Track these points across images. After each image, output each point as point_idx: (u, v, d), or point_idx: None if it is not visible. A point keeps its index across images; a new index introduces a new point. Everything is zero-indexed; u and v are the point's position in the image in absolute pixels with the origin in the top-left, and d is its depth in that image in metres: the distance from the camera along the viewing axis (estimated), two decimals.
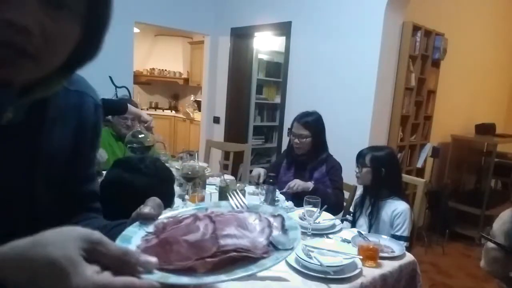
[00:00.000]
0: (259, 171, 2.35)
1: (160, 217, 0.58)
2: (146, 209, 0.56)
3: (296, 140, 2.31)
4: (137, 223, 0.56)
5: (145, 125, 1.96)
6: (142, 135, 1.82)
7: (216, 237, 0.51)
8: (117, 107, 2.06)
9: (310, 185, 2.17)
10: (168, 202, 1.29)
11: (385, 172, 1.96)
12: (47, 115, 0.62)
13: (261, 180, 2.29)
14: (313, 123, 2.30)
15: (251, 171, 2.48)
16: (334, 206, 2.09)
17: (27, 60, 0.46)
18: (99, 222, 0.72)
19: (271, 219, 0.56)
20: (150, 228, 0.55)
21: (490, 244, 0.94)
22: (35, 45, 0.46)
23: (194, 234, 0.52)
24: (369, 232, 1.96)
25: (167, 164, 2.30)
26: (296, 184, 2.16)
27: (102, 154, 1.99)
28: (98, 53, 0.56)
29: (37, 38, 0.45)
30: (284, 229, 0.54)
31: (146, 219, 0.56)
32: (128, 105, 2.01)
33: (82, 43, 0.53)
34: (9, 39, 0.44)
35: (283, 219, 0.57)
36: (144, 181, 1.18)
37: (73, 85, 0.67)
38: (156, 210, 0.57)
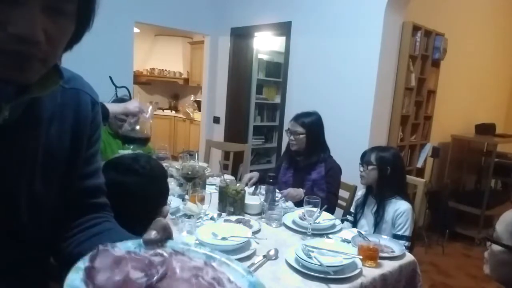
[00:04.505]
0: (252, 175, 2.39)
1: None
2: (148, 234, 0.55)
3: (291, 137, 2.34)
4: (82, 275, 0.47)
5: (134, 118, 1.80)
6: (136, 130, 1.74)
7: None
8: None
9: (300, 192, 2.18)
10: (164, 199, 1.29)
11: (390, 172, 1.96)
12: (43, 114, 0.63)
13: (249, 185, 2.31)
14: (308, 122, 2.32)
15: (251, 171, 2.49)
16: (326, 210, 2.11)
17: (36, 63, 0.50)
18: (111, 234, 0.70)
19: (237, 282, 0.53)
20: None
21: (496, 247, 0.91)
22: (42, 49, 0.49)
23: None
24: (374, 231, 1.96)
25: (165, 163, 2.29)
26: (289, 194, 2.17)
27: None
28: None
29: (43, 44, 0.49)
30: None
31: (150, 244, 0.55)
32: (109, 107, 1.83)
33: (73, 34, 0.56)
34: (19, 50, 0.47)
35: (249, 285, 0.53)
36: (139, 181, 1.16)
37: (69, 83, 0.68)
38: (160, 233, 0.55)
